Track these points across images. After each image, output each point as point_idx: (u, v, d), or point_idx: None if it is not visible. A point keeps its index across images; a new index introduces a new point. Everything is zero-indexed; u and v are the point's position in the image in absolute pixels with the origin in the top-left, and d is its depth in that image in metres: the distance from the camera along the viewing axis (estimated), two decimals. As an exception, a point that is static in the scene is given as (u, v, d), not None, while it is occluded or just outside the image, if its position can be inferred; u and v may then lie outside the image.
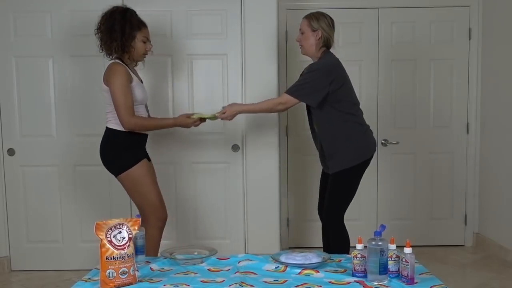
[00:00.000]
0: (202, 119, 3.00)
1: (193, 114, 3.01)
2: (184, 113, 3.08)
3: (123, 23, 2.82)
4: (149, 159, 3.05)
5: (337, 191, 3.00)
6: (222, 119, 3.04)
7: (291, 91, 2.93)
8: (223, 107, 3.06)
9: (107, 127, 2.90)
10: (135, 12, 2.92)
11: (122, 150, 2.85)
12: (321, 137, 3.02)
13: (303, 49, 3.07)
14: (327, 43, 3.00)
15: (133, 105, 2.81)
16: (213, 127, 3.75)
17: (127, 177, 2.86)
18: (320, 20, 2.97)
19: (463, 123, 4.35)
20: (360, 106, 4.43)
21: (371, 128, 3.11)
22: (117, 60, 2.85)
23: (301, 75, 3.13)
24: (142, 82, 3.03)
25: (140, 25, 2.91)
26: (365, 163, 3.00)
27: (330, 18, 3.01)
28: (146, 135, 3.00)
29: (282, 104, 2.96)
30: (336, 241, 2.99)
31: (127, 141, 2.85)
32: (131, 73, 2.88)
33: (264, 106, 3.01)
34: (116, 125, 2.84)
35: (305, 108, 3.11)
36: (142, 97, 2.92)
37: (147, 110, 3.09)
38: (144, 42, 2.91)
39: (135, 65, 3.03)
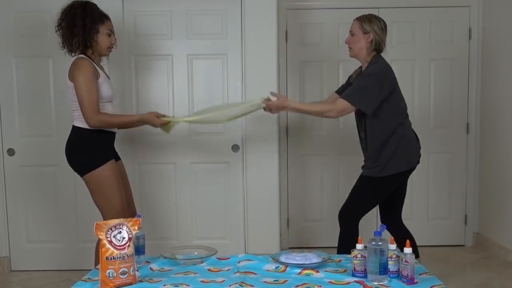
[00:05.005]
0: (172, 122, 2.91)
1: (164, 116, 2.91)
2: (155, 111, 2.95)
3: (84, 17, 2.69)
4: (118, 158, 2.97)
5: (359, 190, 2.94)
6: (266, 106, 2.91)
7: (347, 96, 2.79)
8: (272, 94, 2.94)
9: (73, 126, 2.80)
10: (95, 5, 2.80)
11: (89, 150, 2.76)
12: (371, 144, 2.89)
13: (351, 51, 2.96)
14: (378, 47, 2.89)
15: (98, 102, 2.70)
16: (213, 127, 3.75)
17: (92, 178, 2.75)
18: (372, 23, 2.87)
19: (463, 123, 4.35)
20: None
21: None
22: (82, 55, 2.75)
23: (348, 79, 3.07)
24: (109, 78, 2.93)
25: (103, 17, 2.79)
26: (394, 177, 2.87)
27: (383, 21, 2.92)
28: (114, 134, 2.91)
29: (337, 111, 2.81)
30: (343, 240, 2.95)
31: (94, 140, 2.76)
32: (98, 68, 2.79)
33: (316, 108, 2.88)
34: (83, 124, 2.74)
35: (354, 114, 3.00)
36: (109, 94, 2.82)
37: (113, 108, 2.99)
38: (109, 35, 2.81)
39: (101, 61, 2.92)
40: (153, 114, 2.89)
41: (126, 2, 3.65)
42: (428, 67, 4.30)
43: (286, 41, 4.28)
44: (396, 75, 4.25)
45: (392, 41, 4.27)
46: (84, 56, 2.75)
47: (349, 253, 2.19)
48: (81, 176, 2.80)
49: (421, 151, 4.31)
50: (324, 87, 4.28)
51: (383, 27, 2.91)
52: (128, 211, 2.89)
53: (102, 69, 2.89)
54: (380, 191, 2.93)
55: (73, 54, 2.78)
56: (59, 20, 2.76)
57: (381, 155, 2.85)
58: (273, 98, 3.03)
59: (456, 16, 4.27)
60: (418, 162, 2.98)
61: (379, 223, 4.19)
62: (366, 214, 3.26)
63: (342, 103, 2.80)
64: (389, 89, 2.81)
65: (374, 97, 2.77)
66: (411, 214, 4.38)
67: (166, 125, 2.95)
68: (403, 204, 3.12)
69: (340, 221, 2.97)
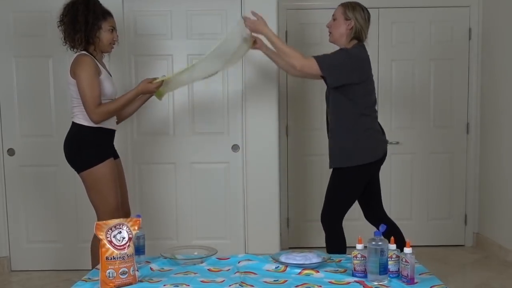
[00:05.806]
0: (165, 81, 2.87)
1: (155, 78, 2.86)
2: (146, 78, 2.89)
3: (87, 13, 2.70)
4: (116, 156, 2.97)
5: (332, 189, 2.93)
6: (246, 23, 2.90)
7: (319, 58, 2.75)
8: (252, 13, 2.92)
9: (73, 122, 2.80)
10: (98, 1, 2.80)
11: (87, 147, 2.75)
12: (332, 132, 2.91)
13: (331, 36, 2.94)
14: (358, 36, 2.88)
15: (100, 98, 2.70)
16: (213, 127, 3.75)
17: (89, 175, 2.74)
18: (356, 11, 2.86)
19: (463, 123, 4.35)
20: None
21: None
22: (84, 52, 2.75)
23: None
24: (111, 75, 2.93)
25: (105, 14, 2.79)
26: (361, 168, 2.84)
27: (368, 12, 2.91)
28: (114, 131, 2.91)
29: (302, 64, 2.76)
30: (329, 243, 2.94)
31: (93, 138, 2.76)
32: (100, 65, 2.79)
33: (286, 48, 2.82)
34: (83, 120, 2.74)
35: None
36: (110, 91, 2.82)
37: None
38: (111, 32, 2.81)
39: (102, 57, 2.92)
40: (145, 81, 2.85)
41: (126, 2, 3.65)
42: (428, 67, 4.30)
43: (286, 41, 4.28)
44: (396, 75, 4.31)
45: (392, 41, 4.27)
46: (86, 53, 2.75)
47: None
48: (78, 172, 2.80)
49: (421, 150, 4.36)
50: (324, 87, 4.26)
51: (366, 18, 2.90)
52: (122, 210, 2.89)
53: (104, 66, 2.90)
54: (351, 184, 2.89)
55: (75, 50, 2.78)
56: (61, 16, 2.76)
57: (344, 143, 2.84)
58: (252, 17, 2.97)
59: (456, 16, 4.27)
60: (384, 155, 2.95)
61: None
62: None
63: (311, 61, 2.76)
64: (359, 76, 2.79)
65: (341, 74, 2.75)
66: (411, 214, 4.38)
67: (159, 91, 2.91)
68: (381, 200, 3.10)
69: (323, 226, 2.96)
